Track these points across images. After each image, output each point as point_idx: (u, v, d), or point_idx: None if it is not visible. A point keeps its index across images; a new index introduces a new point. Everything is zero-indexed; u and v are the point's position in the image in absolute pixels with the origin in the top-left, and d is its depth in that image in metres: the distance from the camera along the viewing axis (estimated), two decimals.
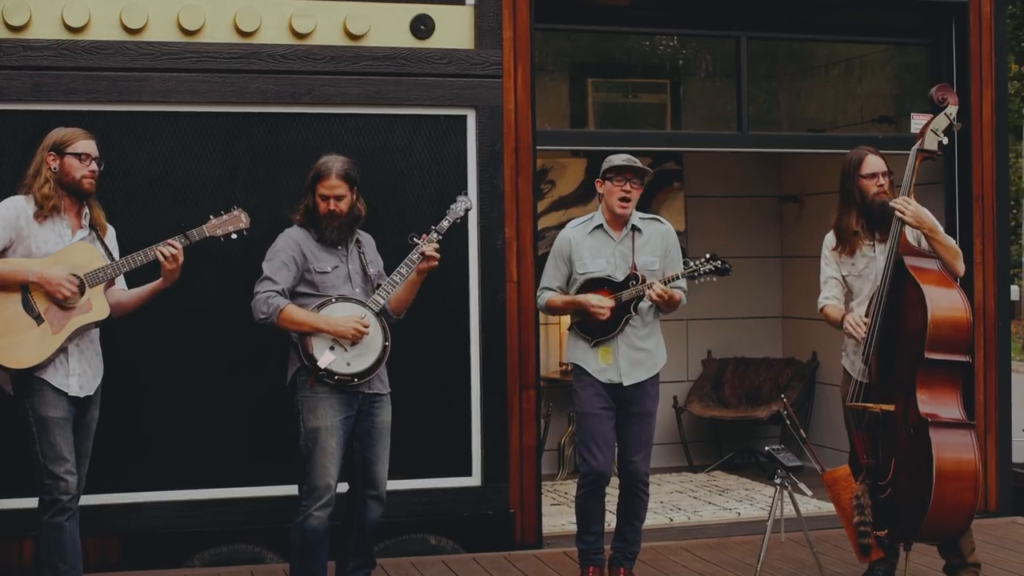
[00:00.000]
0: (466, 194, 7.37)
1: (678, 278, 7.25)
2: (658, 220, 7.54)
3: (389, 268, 7.04)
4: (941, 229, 7.15)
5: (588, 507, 7.40)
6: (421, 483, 8.34)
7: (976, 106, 9.49)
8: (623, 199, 7.25)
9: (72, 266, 6.39)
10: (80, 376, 6.45)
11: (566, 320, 8.04)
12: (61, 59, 7.75)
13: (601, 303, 7.19)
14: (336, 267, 6.88)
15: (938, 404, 6.87)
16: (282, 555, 7.77)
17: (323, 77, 8.17)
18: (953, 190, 9.61)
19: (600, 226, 7.37)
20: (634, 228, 7.36)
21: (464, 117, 8.44)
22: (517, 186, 8.53)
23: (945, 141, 7.22)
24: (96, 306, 6.44)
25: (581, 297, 7.26)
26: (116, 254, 6.66)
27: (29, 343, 6.30)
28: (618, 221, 7.35)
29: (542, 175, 11.18)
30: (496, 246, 8.45)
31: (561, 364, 11.21)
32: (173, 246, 6.55)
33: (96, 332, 6.59)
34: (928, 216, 7.04)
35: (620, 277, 7.28)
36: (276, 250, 6.86)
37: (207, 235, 6.71)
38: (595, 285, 7.29)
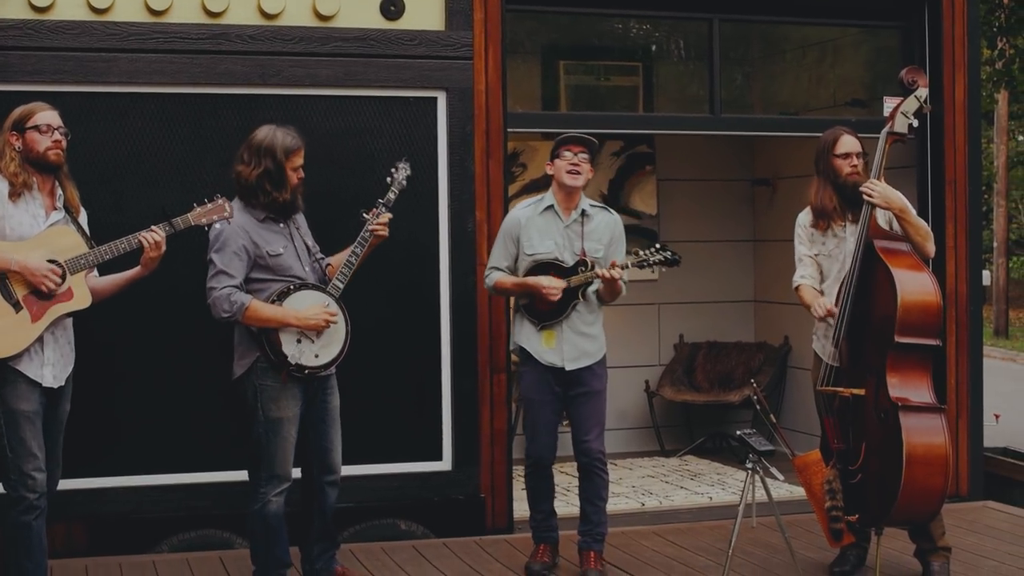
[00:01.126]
0: (405, 160, 7.21)
1: (627, 267, 7.23)
2: (607, 210, 7.52)
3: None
4: (912, 210, 7.14)
5: (532, 486, 7.54)
6: (391, 468, 8.32)
7: (948, 90, 9.47)
8: (571, 171, 7.23)
9: (53, 251, 6.20)
10: (54, 366, 6.29)
11: None
12: (26, 39, 7.68)
13: (553, 284, 7.16)
14: (286, 246, 6.76)
15: (908, 388, 6.87)
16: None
17: (292, 58, 8.11)
18: (925, 174, 9.60)
19: (551, 207, 7.36)
20: (584, 213, 7.35)
21: (434, 99, 8.39)
22: (488, 169, 8.48)
23: (915, 123, 7.22)
24: (78, 295, 6.27)
25: (532, 280, 7.23)
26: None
27: (5, 331, 6.11)
28: (569, 202, 7.33)
29: (514, 158, 11.14)
30: (467, 229, 8.41)
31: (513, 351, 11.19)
32: (157, 233, 6.37)
33: (70, 320, 6.43)
34: (897, 197, 7.03)
35: (569, 261, 7.27)
36: (224, 239, 6.64)
37: (192, 224, 6.51)
38: (544, 268, 7.27)
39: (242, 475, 7.82)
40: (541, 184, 11.34)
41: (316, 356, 6.70)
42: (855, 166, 7.19)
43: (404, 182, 7.14)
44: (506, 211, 8.55)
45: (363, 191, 8.04)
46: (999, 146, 29.23)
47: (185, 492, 7.98)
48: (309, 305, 6.66)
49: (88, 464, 7.74)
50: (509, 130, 8.65)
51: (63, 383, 6.37)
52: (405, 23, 8.31)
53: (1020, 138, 34.10)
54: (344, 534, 7.45)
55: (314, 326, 6.63)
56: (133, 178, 7.84)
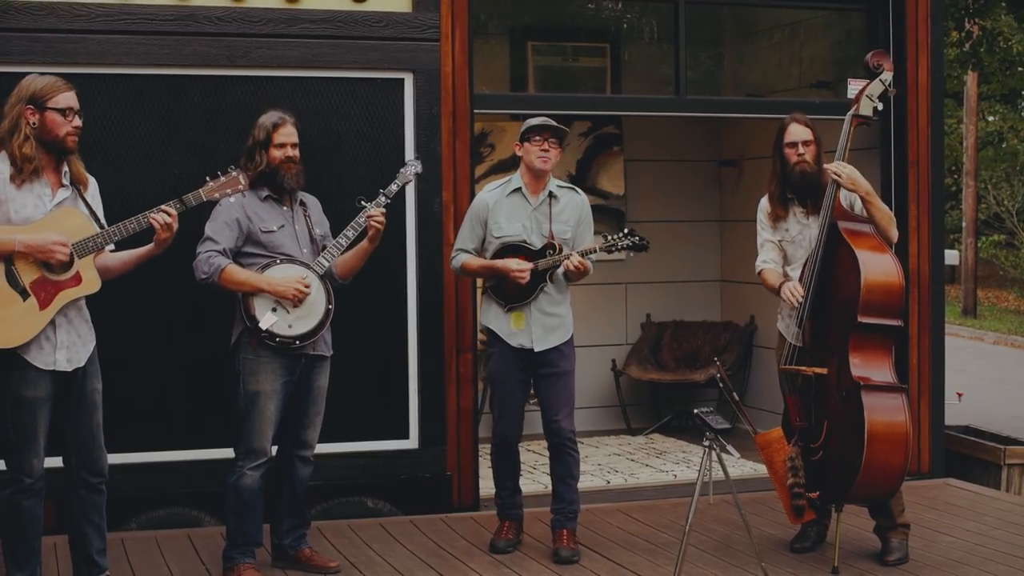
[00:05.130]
0: (417, 158, 7.44)
1: (595, 251, 7.31)
2: (575, 190, 7.60)
3: (333, 231, 7.09)
4: (876, 194, 7.21)
5: (498, 465, 7.64)
6: (358, 446, 8.38)
7: (912, 72, 9.54)
8: (542, 156, 7.30)
9: (60, 233, 6.01)
10: (68, 349, 6.15)
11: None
12: None
13: (521, 268, 7.23)
14: (282, 226, 6.90)
15: (870, 368, 6.96)
16: (219, 518, 7.77)
17: (260, 39, 8.14)
18: (889, 155, 9.67)
19: (518, 189, 7.43)
20: (551, 195, 7.42)
21: (401, 80, 8.43)
22: (454, 150, 8.53)
23: (880, 107, 7.28)
24: (87, 278, 6.07)
25: (500, 263, 7.30)
26: (99, 209, 6.33)
27: (14, 320, 5.93)
28: (537, 184, 7.40)
29: (482, 139, 11.19)
30: (433, 209, 8.47)
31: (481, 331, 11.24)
32: (168, 213, 6.18)
33: (83, 300, 6.25)
34: (863, 180, 7.10)
35: (537, 243, 7.34)
36: (218, 211, 6.84)
37: (204, 199, 6.39)
38: (511, 251, 7.34)
39: (210, 453, 7.92)
40: (509, 164, 11.37)
41: (290, 326, 6.80)
42: (801, 155, 7.24)
43: (411, 178, 7.32)
44: (472, 192, 8.61)
45: (331, 172, 8.11)
46: (968, 126, 29.30)
47: (154, 470, 8.01)
48: (285, 276, 6.77)
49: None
50: (476, 111, 8.70)
51: (82, 364, 6.22)
52: (372, 5, 8.34)
53: (990, 118, 34.21)
54: (312, 511, 7.52)
55: (283, 294, 6.73)
56: (101, 160, 7.84)
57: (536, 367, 7.43)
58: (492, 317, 7.47)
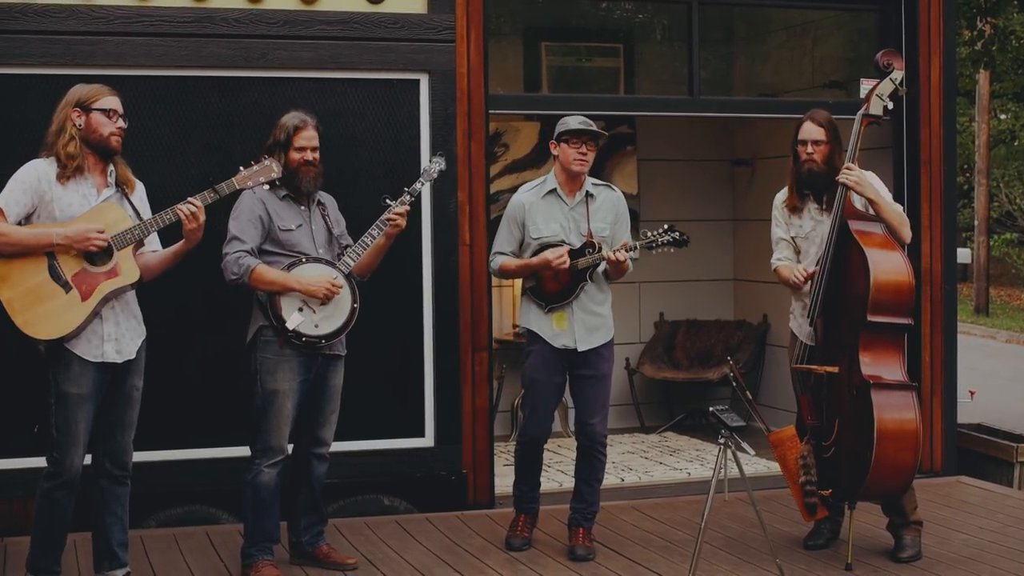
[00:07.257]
0: (441, 155, 7.44)
1: (636, 248, 7.31)
2: (610, 188, 7.59)
3: (352, 230, 7.16)
4: (885, 198, 7.22)
5: (521, 462, 7.65)
6: (375, 444, 8.44)
7: (924, 72, 9.56)
8: (579, 159, 7.30)
9: (100, 227, 6.19)
10: (117, 341, 6.30)
11: (519, 282, 8.12)
12: (13, 22, 7.75)
13: (558, 254, 7.19)
14: (300, 225, 6.94)
15: (880, 366, 7.00)
16: (237, 516, 7.83)
17: (276, 41, 8.20)
18: (901, 155, 9.69)
19: (554, 190, 7.41)
20: (588, 194, 7.42)
21: (417, 81, 8.49)
22: (470, 150, 8.58)
23: (890, 106, 7.32)
24: (125, 269, 6.23)
25: (538, 257, 7.27)
26: (147, 210, 6.49)
27: (57, 312, 6.10)
28: (573, 184, 7.39)
29: (496, 138, 11.23)
30: (449, 209, 8.52)
31: (515, 326, 11.28)
32: (193, 204, 6.33)
33: (132, 294, 6.41)
34: (869, 185, 7.12)
35: (575, 243, 7.32)
36: (241, 209, 6.87)
37: (237, 187, 6.53)
38: None
39: (228, 451, 7.96)
40: (523, 165, 11.46)
41: (316, 326, 6.84)
42: (811, 154, 7.26)
43: (435, 175, 7.35)
44: (487, 192, 8.67)
45: (347, 173, 8.16)
46: (980, 125, 29.28)
47: (172, 468, 8.07)
48: (315, 275, 6.82)
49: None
50: (491, 112, 8.74)
51: (133, 356, 6.39)
52: (388, 6, 8.39)
53: (1002, 116, 34.18)
54: (328, 509, 7.57)
55: (314, 292, 6.77)
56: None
57: (575, 368, 7.43)
58: (532, 318, 7.44)
